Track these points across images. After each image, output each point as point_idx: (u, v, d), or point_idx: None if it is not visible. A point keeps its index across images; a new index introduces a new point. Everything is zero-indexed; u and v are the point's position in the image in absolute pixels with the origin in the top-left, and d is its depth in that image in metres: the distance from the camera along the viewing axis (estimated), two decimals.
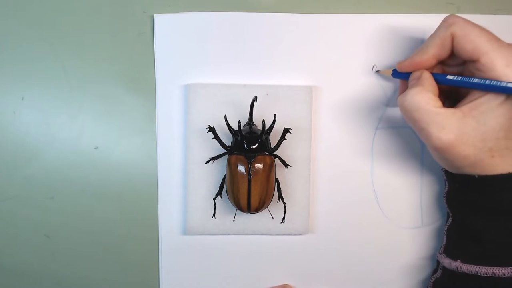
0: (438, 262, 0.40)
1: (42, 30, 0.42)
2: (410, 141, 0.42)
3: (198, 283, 0.43)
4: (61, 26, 0.42)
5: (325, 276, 0.43)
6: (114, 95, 0.42)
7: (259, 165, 0.39)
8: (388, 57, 0.42)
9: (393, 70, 0.40)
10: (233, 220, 0.42)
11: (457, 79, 0.36)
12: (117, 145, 0.42)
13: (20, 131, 0.42)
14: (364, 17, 0.42)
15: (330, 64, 0.42)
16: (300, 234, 0.42)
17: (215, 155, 0.40)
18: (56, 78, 0.42)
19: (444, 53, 0.36)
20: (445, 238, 0.39)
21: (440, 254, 0.39)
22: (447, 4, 0.42)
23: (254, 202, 0.39)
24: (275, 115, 0.39)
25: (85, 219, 0.42)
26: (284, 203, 0.41)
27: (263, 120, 0.38)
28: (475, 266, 0.35)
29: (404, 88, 0.39)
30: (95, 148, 0.42)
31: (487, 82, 0.33)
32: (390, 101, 0.42)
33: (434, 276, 0.40)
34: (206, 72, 0.42)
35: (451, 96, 0.38)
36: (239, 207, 0.40)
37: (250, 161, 0.39)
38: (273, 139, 0.40)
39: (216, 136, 0.40)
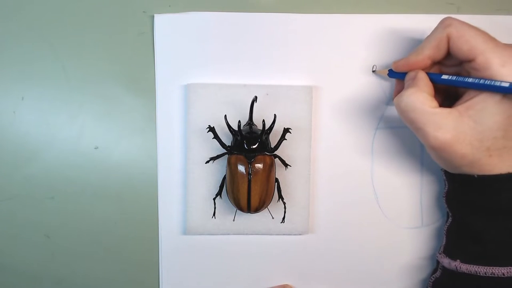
0: (437, 262, 0.40)
1: (42, 30, 0.42)
2: (410, 141, 0.42)
3: (198, 283, 0.43)
4: (61, 26, 0.42)
5: (325, 276, 0.43)
6: (114, 95, 0.42)
7: (259, 165, 0.39)
8: (388, 57, 0.42)
9: (389, 70, 0.40)
10: (233, 220, 0.42)
11: (452, 78, 0.36)
12: (117, 145, 0.42)
13: (20, 131, 0.42)
14: (364, 17, 0.42)
15: (330, 64, 0.42)
16: (300, 234, 0.42)
17: (215, 155, 0.40)
18: (56, 78, 0.42)
19: (439, 54, 0.36)
20: (444, 238, 0.39)
21: (440, 254, 0.39)
22: (447, 4, 0.42)
23: (254, 202, 0.39)
24: (275, 115, 0.39)
25: (85, 219, 0.42)
26: (284, 203, 0.41)
27: (263, 120, 0.38)
28: (475, 266, 0.36)
29: (400, 87, 0.39)
30: (95, 148, 0.42)
31: (482, 81, 0.33)
32: (390, 101, 0.42)
33: (433, 276, 0.40)
34: (206, 72, 0.42)
35: (449, 96, 0.38)
36: (239, 207, 0.40)
37: (250, 161, 0.39)
38: (273, 139, 0.40)
39: (216, 136, 0.40)
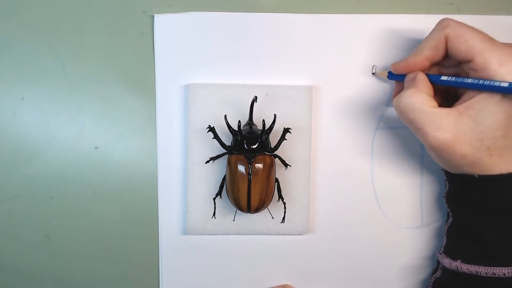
0: (438, 262, 0.40)
1: (42, 30, 0.42)
2: (410, 141, 0.42)
3: (198, 283, 0.43)
4: (61, 26, 0.42)
5: (325, 276, 0.43)
6: (114, 95, 0.42)
7: (259, 165, 0.39)
8: (388, 57, 0.42)
9: (388, 72, 0.40)
10: (233, 220, 0.42)
11: (451, 79, 0.36)
12: (117, 145, 0.42)
13: (20, 131, 0.42)
14: (364, 17, 0.42)
15: (330, 64, 0.42)
16: (300, 234, 0.42)
17: (215, 155, 0.40)
18: (56, 78, 0.42)
19: (438, 55, 0.36)
20: (445, 238, 0.39)
21: (440, 254, 0.39)
22: (447, 4, 0.42)
23: (254, 202, 0.39)
24: (275, 115, 0.39)
25: (85, 219, 0.42)
26: (284, 203, 0.41)
27: (263, 120, 0.38)
28: (475, 266, 0.36)
29: (399, 89, 0.39)
30: (95, 148, 0.42)
31: (481, 82, 0.33)
32: (390, 101, 0.42)
33: (434, 276, 0.40)
34: (206, 72, 0.42)
35: (448, 96, 0.38)
36: (239, 207, 0.40)
37: (250, 161, 0.39)
38: (273, 139, 0.40)
39: (216, 136, 0.40)
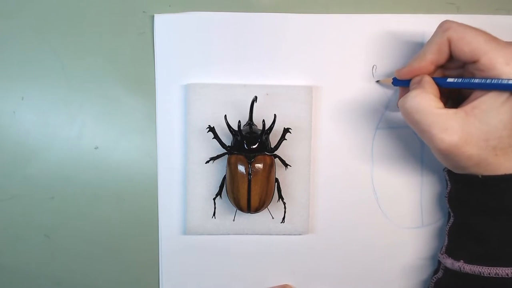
0: (439, 262, 0.40)
1: (42, 30, 0.42)
2: (410, 141, 0.42)
3: (198, 283, 0.43)
4: (61, 26, 0.42)
5: (325, 276, 0.43)
6: (114, 95, 0.42)
7: (259, 165, 0.39)
8: (388, 57, 0.42)
9: (393, 79, 0.40)
10: (233, 220, 0.42)
11: (458, 81, 0.36)
12: (117, 145, 0.42)
13: (20, 131, 0.42)
14: (364, 17, 0.42)
15: (330, 64, 0.42)
16: (300, 234, 0.42)
17: (215, 155, 0.40)
18: (56, 78, 0.42)
19: (442, 58, 0.36)
20: (446, 238, 0.39)
21: (442, 254, 0.39)
22: (447, 4, 0.42)
23: (254, 202, 0.39)
24: (275, 115, 0.39)
25: (85, 219, 0.42)
26: (284, 203, 0.41)
27: (263, 120, 0.38)
28: (478, 267, 0.35)
29: (404, 95, 0.39)
30: (95, 148, 0.42)
31: (488, 81, 0.33)
32: (390, 101, 0.42)
33: (435, 276, 0.40)
34: (206, 72, 0.42)
35: (453, 97, 0.38)
36: (239, 207, 0.40)
37: (250, 161, 0.39)
38: (273, 139, 0.40)
39: (216, 136, 0.40)
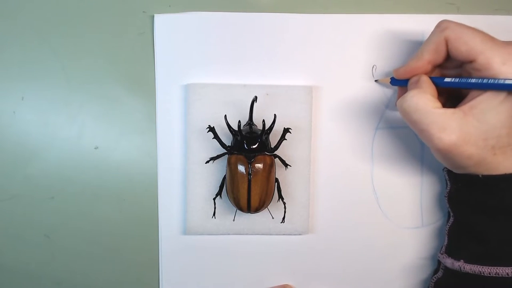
0: (439, 262, 0.40)
1: (42, 30, 0.42)
2: (410, 141, 0.42)
3: (198, 283, 0.43)
4: (61, 26, 0.42)
5: (325, 276, 0.43)
6: (114, 95, 0.42)
7: (259, 165, 0.39)
8: (388, 57, 0.42)
9: (391, 78, 0.40)
10: (233, 220, 0.42)
11: (455, 81, 0.36)
12: (117, 145, 0.42)
13: (20, 131, 0.42)
14: (364, 17, 0.42)
15: (330, 64, 0.42)
16: (300, 234, 0.42)
17: (215, 155, 0.40)
18: (56, 78, 0.42)
19: (439, 57, 0.36)
20: (446, 238, 0.39)
21: (442, 254, 0.39)
22: (447, 4, 0.42)
23: (254, 202, 0.39)
24: (275, 115, 0.39)
25: (85, 219, 0.42)
26: (284, 203, 0.41)
27: (263, 120, 0.38)
28: (479, 266, 0.35)
29: (402, 94, 0.39)
30: (95, 148, 0.42)
31: (485, 81, 0.33)
32: (390, 101, 0.42)
33: (435, 276, 0.40)
34: (206, 72, 0.42)
35: (451, 97, 0.38)
36: (239, 207, 0.40)
37: (250, 161, 0.39)
38: (273, 139, 0.40)
39: (216, 136, 0.40)
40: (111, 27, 0.42)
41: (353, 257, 0.43)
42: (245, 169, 0.39)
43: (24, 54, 0.42)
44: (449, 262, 0.38)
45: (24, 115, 0.42)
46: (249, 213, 0.40)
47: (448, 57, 0.36)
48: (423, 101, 0.35)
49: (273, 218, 0.42)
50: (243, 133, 0.39)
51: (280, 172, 0.41)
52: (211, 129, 0.39)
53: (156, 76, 0.42)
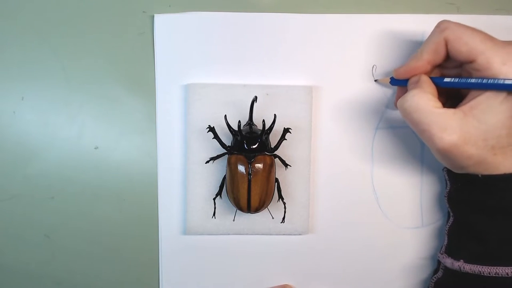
0: (438, 262, 0.40)
1: (42, 30, 0.42)
2: (410, 141, 0.42)
3: (198, 283, 0.43)
4: (61, 26, 0.42)
5: (325, 276, 0.43)
6: (114, 95, 0.42)
7: (259, 165, 0.39)
8: (388, 57, 0.42)
9: (391, 78, 0.40)
10: (233, 220, 0.42)
11: (455, 80, 0.36)
12: (117, 145, 0.42)
13: (20, 131, 0.42)
14: (364, 17, 0.42)
15: (330, 64, 0.42)
16: (300, 234, 0.42)
17: (215, 155, 0.40)
18: (56, 78, 0.42)
19: (439, 58, 0.36)
20: (446, 238, 0.39)
21: (442, 254, 0.39)
22: (447, 4, 0.42)
23: (254, 202, 0.39)
24: (275, 115, 0.39)
25: (85, 219, 0.42)
26: (284, 203, 0.41)
27: (263, 120, 0.38)
28: (478, 266, 0.35)
29: (401, 94, 0.39)
30: (95, 148, 0.42)
31: (485, 81, 0.33)
32: (390, 101, 0.42)
33: (435, 276, 0.40)
34: (206, 72, 0.42)
35: (451, 97, 0.38)
36: (239, 207, 0.40)
37: (250, 161, 0.39)
38: (273, 139, 0.40)
39: (216, 136, 0.40)
40: (111, 27, 0.42)
41: (353, 257, 0.43)
42: (245, 169, 0.39)
43: (24, 54, 0.42)
44: (448, 262, 0.38)
45: (24, 115, 0.42)
46: (249, 213, 0.40)
47: (448, 57, 0.36)
48: (424, 101, 0.35)
49: (273, 218, 0.42)
50: (243, 133, 0.39)
51: (280, 172, 0.41)
52: (211, 129, 0.40)
53: (156, 76, 0.42)
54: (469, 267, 0.36)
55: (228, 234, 0.42)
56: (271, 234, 0.42)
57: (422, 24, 0.41)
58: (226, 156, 0.40)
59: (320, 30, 0.42)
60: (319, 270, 0.43)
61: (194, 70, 0.42)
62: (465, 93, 0.36)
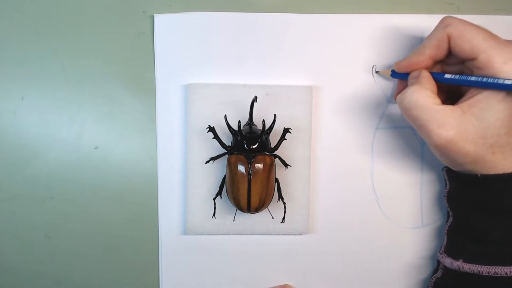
0: (438, 262, 0.40)
1: (42, 30, 0.42)
2: (410, 141, 0.42)
3: (198, 283, 0.43)
4: (61, 26, 0.42)
5: (325, 276, 0.43)
6: (114, 95, 0.42)
7: (259, 165, 0.39)
8: (388, 57, 0.42)
9: (391, 71, 0.40)
10: (233, 220, 0.42)
11: (455, 77, 0.36)
12: (117, 145, 0.42)
13: (20, 131, 0.42)
14: (364, 17, 0.42)
15: (330, 64, 0.42)
16: (300, 234, 0.42)
17: (215, 155, 0.40)
18: (56, 78, 0.42)
19: (441, 53, 0.36)
20: (446, 238, 0.39)
21: (441, 254, 0.39)
22: (447, 4, 0.42)
23: (254, 202, 0.39)
24: (275, 115, 0.39)
25: (85, 219, 0.42)
26: (284, 203, 0.41)
27: (263, 120, 0.38)
28: (477, 266, 0.35)
29: (402, 88, 0.39)
30: (95, 148, 0.42)
31: (485, 79, 0.33)
32: (390, 101, 0.42)
33: (434, 276, 0.40)
34: (206, 72, 0.42)
35: (451, 94, 0.38)
36: (239, 207, 0.40)
37: (250, 161, 0.39)
38: (273, 139, 0.40)
39: (216, 136, 0.40)
40: (111, 27, 0.42)
41: (353, 257, 0.43)
42: (245, 169, 0.39)
43: (24, 54, 0.42)
44: (448, 261, 0.38)
45: (24, 115, 0.42)
46: (249, 213, 0.40)
47: (450, 53, 0.36)
48: (423, 97, 0.35)
49: (273, 218, 0.42)
50: (243, 133, 0.39)
51: (280, 172, 0.41)
52: (211, 129, 0.40)
53: (156, 76, 0.42)
54: (468, 267, 0.36)
55: (228, 234, 0.42)
56: (271, 234, 0.42)
57: (422, 24, 0.41)
58: (226, 156, 0.40)
59: (320, 30, 0.42)
60: (319, 270, 0.43)
61: (194, 70, 0.42)
62: (465, 91, 0.36)
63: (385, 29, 0.42)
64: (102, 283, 0.43)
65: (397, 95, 0.37)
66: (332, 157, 0.42)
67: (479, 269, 0.35)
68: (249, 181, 0.39)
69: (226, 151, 0.40)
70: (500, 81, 0.33)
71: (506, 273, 0.35)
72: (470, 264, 0.36)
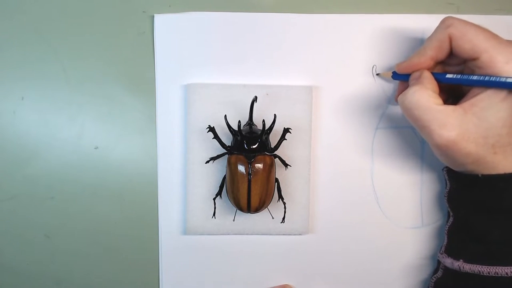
0: (438, 262, 0.40)
1: (42, 30, 0.42)
2: (410, 141, 0.42)
3: (198, 283, 0.43)
4: (61, 26, 0.42)
5: (325, 276, 0.43)
6: (114, 95, 0.42)
7: (259, 165, 0.39)
8: (388, 57, 0.42)
9: (392, 73, 0.40)
10: (233, 220, 0.42)
11: (457, 77, 0.36)
12: (117, 145, 0.42)
13: (20, 131, 0.42)
14: (364, 17, 0.42)
15: (330, 64, 0.42)
16: (300, 234, 0.42)
17: (215, 155, 0.40)
18: (56, 78, 0.42)
19: (442, 54, 0.36)
20: (446, 238, 0.39)
21: (441, 254, 0.39)
22: (447, 4, 0.42)
23: (254, 202, 0.39)
24: (275, 115, 0.39)
25: (85, 219, 0.42)
26: (284, 203, 0.41)
27: (263, 120, 0.38)
28: (478, 266, 0.35)
29: (403, 89, 0.39)
30: (95, 148, 0.42)
31: (486, 78, 0.33)
32: (390, 101, 0.42)
33: (435, 276, 0.40)
34: (206, 72, 0.42)
35: (452, 94, 0.38)
36: (239, 207, 0.40)
37: (250, 161, 0.39)
38: (273, 139, 0.40)
39: (216, 136, 0.40)
40: (111, 27, 0.42)
41: (353, 257, 0.43)
42: (245, 169, 0.39)
43: (24, 54, 0.42)
44: (448, 261, 0.38)
45: (24, 115, 0.42)
46: (249, 213, 0.40)
47: (451, 53, 0.36)
48: (424, 97, 0.35)
49: (273, 218, 0.42)
50: (243, 133, 0.39)
51: (280, 172, 0.41)
52: (211, 129, 0.40)
53: (156, 76, 0.42)
54: (468, 267, 0.36)
55: (228, 234, 0.42)
56: (271, 234, 0.42)
57: (422, 24, 0.41)
58: (226, 156, 0.40)
59: (320, 30, 0.42)
60: (319, 270, 0.43)
61: (194, 70, 0.42)
62: (466, 91, 0.36)
63: (385, 29, 0.42)
64: (102, 283, 0.43)
65: (398, 96, 0.37)
66: (332, 157, 0.42)
67: (479, 269, 0.35)
68: (249, 181, 0.39)
69: (226, 151, 0.40)
70: (502, 79, 0.33)
71: (506, 273, 0.34)
72: (470, 264, 0.36)
